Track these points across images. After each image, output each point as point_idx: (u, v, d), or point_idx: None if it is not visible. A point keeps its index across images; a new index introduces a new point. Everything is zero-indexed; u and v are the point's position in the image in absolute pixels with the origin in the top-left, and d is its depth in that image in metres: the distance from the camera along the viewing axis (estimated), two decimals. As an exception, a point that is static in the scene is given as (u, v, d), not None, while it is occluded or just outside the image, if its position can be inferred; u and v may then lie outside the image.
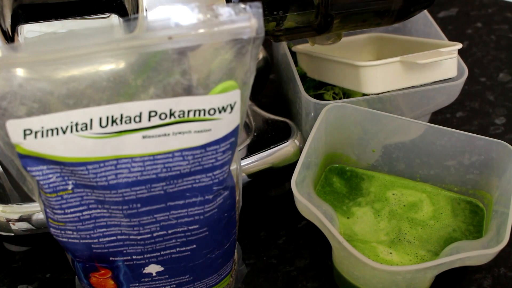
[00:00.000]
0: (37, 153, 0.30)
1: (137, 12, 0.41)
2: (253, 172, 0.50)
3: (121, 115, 0.30)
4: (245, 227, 0.54)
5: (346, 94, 0.59)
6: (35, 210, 0.45)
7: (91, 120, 0.30)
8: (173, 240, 0.36)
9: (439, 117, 0.66)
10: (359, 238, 0.47)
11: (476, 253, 0.39)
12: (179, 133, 0.31)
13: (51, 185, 0.32)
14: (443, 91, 0.53)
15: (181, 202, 0.34)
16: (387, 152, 0.52)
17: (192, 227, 0.35)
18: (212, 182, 0.34)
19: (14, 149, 0.30)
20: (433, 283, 0.45)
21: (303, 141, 0.52)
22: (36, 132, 0.29)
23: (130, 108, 0.30)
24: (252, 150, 0.51)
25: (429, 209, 0.50)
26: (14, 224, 0.45)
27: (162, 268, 0.37)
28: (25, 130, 0.29)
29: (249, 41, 0.30)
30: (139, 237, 0.35)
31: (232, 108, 0.32)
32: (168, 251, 0.36)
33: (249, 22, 0.29)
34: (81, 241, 0.34)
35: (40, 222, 0.45)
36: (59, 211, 0.33)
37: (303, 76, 0.61)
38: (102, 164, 0.31)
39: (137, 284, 0.38)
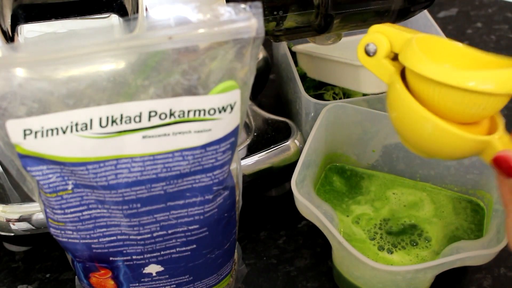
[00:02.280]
0: (37, 153, 0.30)
1: (137, 12, 0.41)
2: (253, 172, 0.50)
3: (121, 115, 0.30)
4: (245, 227, 0.54)
5: (346, 94, 0.59)
6: (35, 210, 0.45)
7: (91, 120, 0.30)
8: (173, 240, 0.36)
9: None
10: (358, 237, 0.47)
11: (476, 253, 0.39)
12: (179, 133, 0.31)
13: (51, 185, 0.32)
14: (443, 91, 0.53)
15: (181, 202, 0.34)
16: (387, 152, 0.52)
17: (192, 227, 0.35)
18: (212, 182, 0.34)
19: (14, 149, 0.30)
20: (433, 283, 0.45)
21: (303, 141, 0.52)
22: (36, 132, 0.29)
23: (130, 108, 0.30)
24: (252, 150, 0.51)
25: (430, 207, 0.50)
26: (14, 224, 0.45)
27: (162, 268, 0.37)
28: (25, 130, 0.29)
29: (249, 41, 0.30)
30: (139, 237, 0.35)
31: (232, 108, 0.32)
32: (168, 251, 0.36)
33: (249, 22, 0.29)
34: (81, 241, 0.34)
35: (40, 222, 0.45)
36: (59, 211, 0.33)
37: (303, 76, 0.61)
38: (102, 164, 0.31)
39: (137, 284, 0.38)
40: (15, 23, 0.43)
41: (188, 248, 0.36)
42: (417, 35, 0.35)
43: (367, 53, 0.37)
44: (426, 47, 0.35)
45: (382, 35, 0.37)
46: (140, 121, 0.30)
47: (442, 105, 0.34)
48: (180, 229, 0.35)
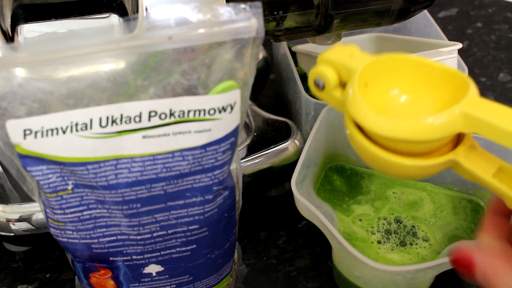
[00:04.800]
0: (37, 153, 0.30)
1: (137, 12, 0.41)
2: (253, 172, 0.50)
3: (121, 115, 0.30)
4: (245, 227, 0.54)
5: (346, 94, 0.59)
6: (35, 210, 0.45)
7: (91, 120, 0.30)
8: (173, 240, 0.36)
9: (439, 117, 0.66)
10: (358, 236, 0.47)
11: (476, 253, 0.39)
12: (179, 133, 0.31)
13: (51, 185, 0.32)
14: (443, 91, 0.53)
15: (181, 202, 0.34)
16: (387, 152, 0.52)
17: (192, 227, 0.35)
18: (212, 182, 0.34)
19: (14, 149, 0.30)
20: (433, 283, 0.45)
21: (303, 141, 0.52)
22: (36, 132, 0.29)
23: (130, 108, 0.30)
24: (252, 150, 0.51)
25: (430, 207, 0.50)
26: (14, 224, 0.45)
27: (162, 268, 0.37)
28: (25, 130, 0.29)
29: (249, 41, 0.30)
30: (139, 237, 0.35)
31: (232, 108, 0.32)
32: (168, 251, 0.36)
33: (249, 22, 0.29)
34: (81, 241, 0.34)
35: (40, 222, 0.45)
36: (59, 211, 0.33)
37: (303, 76, 0.61)
38: (102, 164, 0.31)
39: (137, 284, 0.38)
40: (15, 23, 0.43)
41: (188, 248, 0.36)
42: (362, 66, 0.34)
43: (317, 86, 0.36)
44: (376, 70, 0.35)
45: (329, 67, 0.35)
46: (140, 121, 0.30)
47: (393, 144, 0.33)
48: (180, 229, 0.35)
